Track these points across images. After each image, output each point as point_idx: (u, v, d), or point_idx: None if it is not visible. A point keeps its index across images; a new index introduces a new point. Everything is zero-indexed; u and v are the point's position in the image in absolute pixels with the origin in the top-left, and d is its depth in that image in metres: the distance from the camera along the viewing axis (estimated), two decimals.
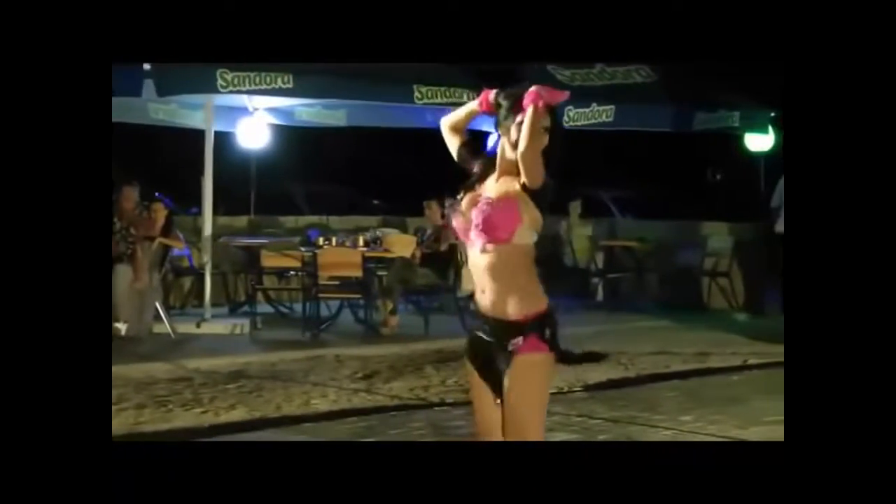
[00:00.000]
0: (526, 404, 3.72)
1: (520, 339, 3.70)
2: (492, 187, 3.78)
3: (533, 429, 3.74)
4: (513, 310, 3.71)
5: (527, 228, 3.69)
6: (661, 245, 13.56)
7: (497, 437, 3.79)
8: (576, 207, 14.36)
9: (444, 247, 11.22)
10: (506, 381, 3.74)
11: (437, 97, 11.28)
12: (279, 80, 9.84)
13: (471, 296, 12.39)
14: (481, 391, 3.87)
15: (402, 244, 11.56)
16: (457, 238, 11.29)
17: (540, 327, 3.71)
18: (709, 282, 13.26)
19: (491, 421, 3.83)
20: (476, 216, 3.73)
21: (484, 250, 3.72)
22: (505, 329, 3.73)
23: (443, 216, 11.62)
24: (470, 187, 3.85)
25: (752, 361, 9.54)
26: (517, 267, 3.71)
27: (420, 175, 19.24)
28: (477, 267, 3.77)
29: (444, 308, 11.39)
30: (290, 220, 14.52)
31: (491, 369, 3.81)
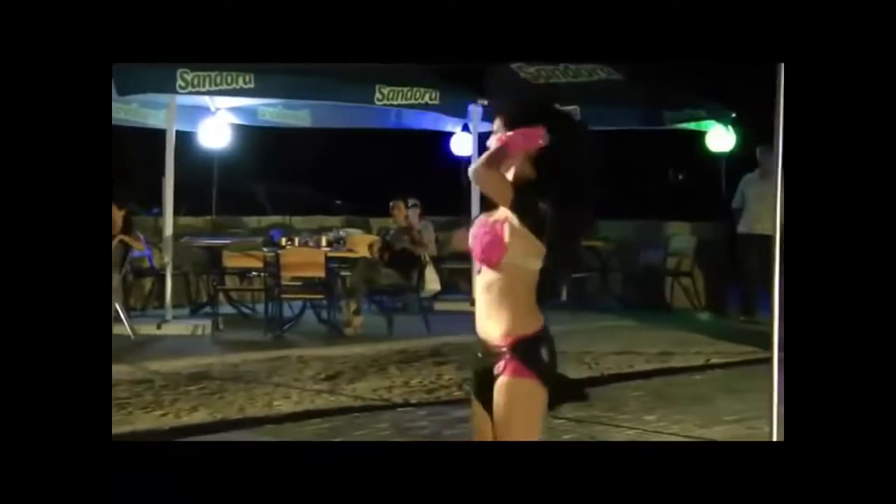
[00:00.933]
0: (508, 431, 3.61)
1: (502, 363, 3.62)
2: (500, 209, 3.73)
3: None
4: (498, 332, 3.64)
5: (519, 253, 3.59)
6: (624, 245, 13.60)
7: None
8: None
9: (421, 250, 11.20)
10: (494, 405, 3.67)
11: (398, 98, 11.26)
12: (240, 80, 9.78)
13: (434, 296, 12.42)
14: (479, 420, 3.77)
15: (365, 244, 11.53)
16: (421, 243, 11.32)
17: (524, 351, 3.61)
18: (671, 281, 13.32)
19: None
20: (471, 237, 3.71)
21: (480, 271, 3.69)
22: (492, 352, 3.66)
23: (407, 217, 11.60)
24: (488, 207, 3.82)
25: (714, 361, 9.59)
26: (508, 290, 3.62)
27: (384, 175, 19.21)
28: (476, 287, 3.76)
29: (408, 308, 11.37)
30: (252, 221, 14.45)
31: (486, 394, 3.70)
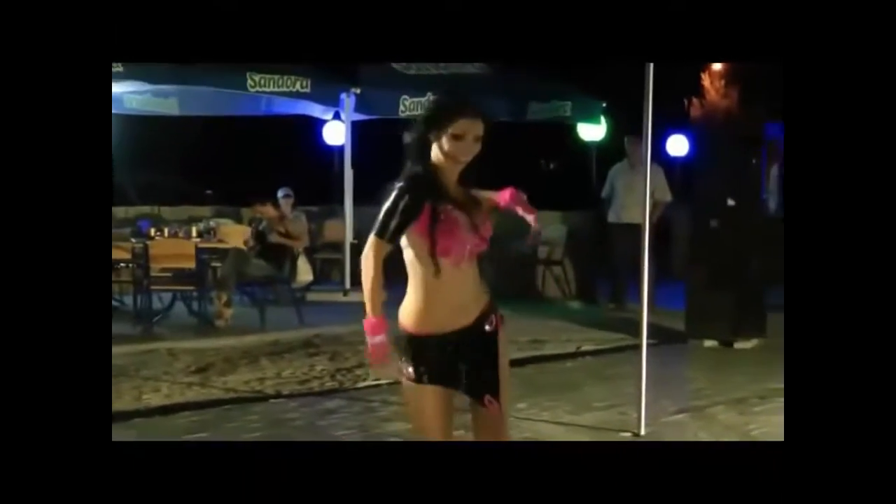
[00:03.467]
0: (415, 436, 3.62)
1: None
2: None
3: None
4: None
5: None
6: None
7: None
8: None
9: (294, 243, 11.10)
10: None
11: (269, 85, 11.15)
12: None
13: (306, 287, 12.26)
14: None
15: (236, 235, 11.39)
16: (293, 236, 11.20)
17: (402, 349, 3.63)
18: (543, 270, 13.48)
19: None
20: None
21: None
22: None
23: (279, 207, 11.48)
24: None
25: (584, 348, 9.74)
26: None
27: (255, 164, 19.01)
28: None
29: (280, 300, 11.27)
30: (120, 211, 14.14)
31: None
